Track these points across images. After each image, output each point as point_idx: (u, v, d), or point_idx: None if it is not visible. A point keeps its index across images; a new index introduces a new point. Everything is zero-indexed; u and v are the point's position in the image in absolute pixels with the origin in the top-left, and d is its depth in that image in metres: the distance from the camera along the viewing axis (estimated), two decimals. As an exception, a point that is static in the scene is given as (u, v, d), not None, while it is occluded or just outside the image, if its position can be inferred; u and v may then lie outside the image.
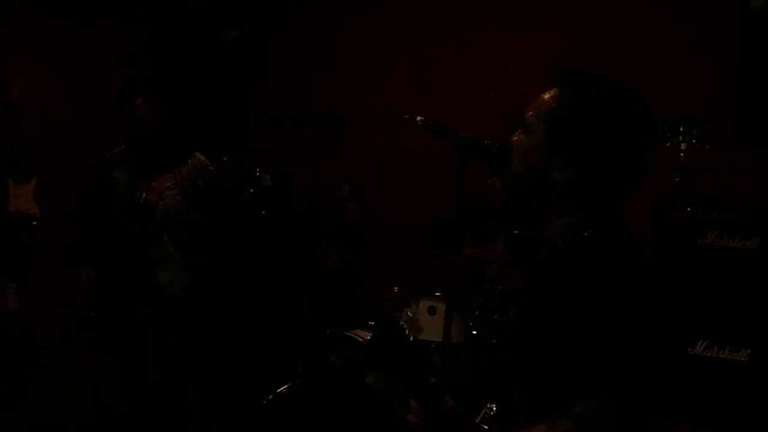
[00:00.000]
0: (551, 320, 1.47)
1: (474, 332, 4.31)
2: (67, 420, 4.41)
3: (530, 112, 1.65)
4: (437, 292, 4.33)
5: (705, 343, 4.15)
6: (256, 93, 7.22)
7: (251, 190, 4.97)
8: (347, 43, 6.79)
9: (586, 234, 1.53)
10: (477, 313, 4.33)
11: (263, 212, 5.72)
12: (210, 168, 3.81)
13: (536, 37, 5.85)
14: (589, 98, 1.59)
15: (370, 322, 4.61)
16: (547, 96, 1.64)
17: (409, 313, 4.39)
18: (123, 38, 6.42)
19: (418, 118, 2.10)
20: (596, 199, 1.59)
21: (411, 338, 4.21)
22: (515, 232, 4.33)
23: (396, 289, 5.09)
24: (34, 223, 5.21)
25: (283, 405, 4.81)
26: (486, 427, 1.69)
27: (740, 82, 5.14)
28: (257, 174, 4.94)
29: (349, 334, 4.49)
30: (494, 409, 1.64)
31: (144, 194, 3.79)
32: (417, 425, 1.67)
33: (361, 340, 4.39)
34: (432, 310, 4.30)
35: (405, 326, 4.35)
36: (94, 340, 4.02)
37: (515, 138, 1.69)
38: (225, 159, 3.78)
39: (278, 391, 4.89)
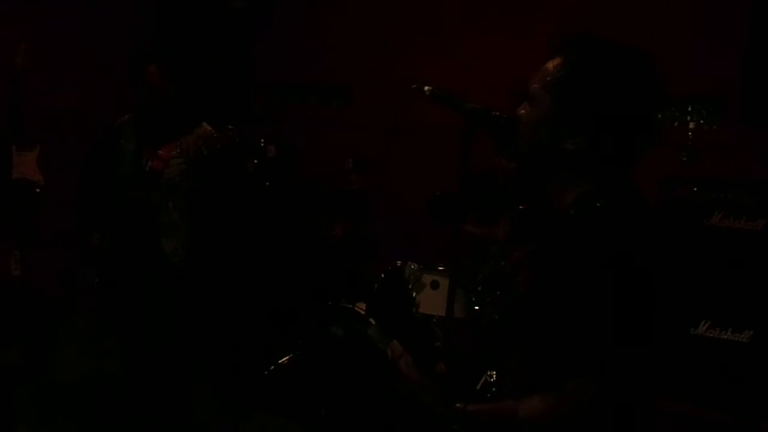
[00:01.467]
0: (558, 291, 1.46)
1: (476, 308, 4.31)
2: (71, 385, 4.44)
3: (535, 83, 1.62)
4: (440, 266, 4.33)
5: (707, 324, 4.14)
6: (262, 63, 7.17)
7: (255, 161, 4.96)
8: (354, 15, 6.72)
9: (599, 204, 1.51)
10: (480, 288, 4.33)
11: (267, 183, 5.71)
12: (214, 136, 3.81)
13: (545, 10, 5.79)
14: (594, 63, 1.55)
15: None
16: (551, 65, 1.60)
17: (412, 266, 4.38)
18: (130, 6, 6.38)
19: (426, 88, 2.08)
20: (607, 167, 1.56)
21: (413, 294, 4.22)
22: (520, 207, 4.31)
23: (399, 263, 5.09)
24: (38, 190, 5.20)
25: (285, 376, 4.83)
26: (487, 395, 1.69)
27: (749, 62, 5.09)
28: (261, 145, 4.93)
29: (351, 306, 4.50)
30: (494, 376, 1.64)
31: (150, 162, 3.80)
32: (406, 377, 1.67)
33: (363, 312, 4.40)
34: (435, 285, 4.30)
35: (408, 280, 4.35)
36: (98, 307, 4.03)
37: (522, 111, 1.66)
38: (230, 127, 3.78)
39: (280, 361, 4.91)
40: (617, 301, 1.42)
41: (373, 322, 3.94)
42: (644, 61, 1.56)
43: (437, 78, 2.75)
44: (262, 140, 4.68)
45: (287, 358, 4.94)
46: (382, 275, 4.36)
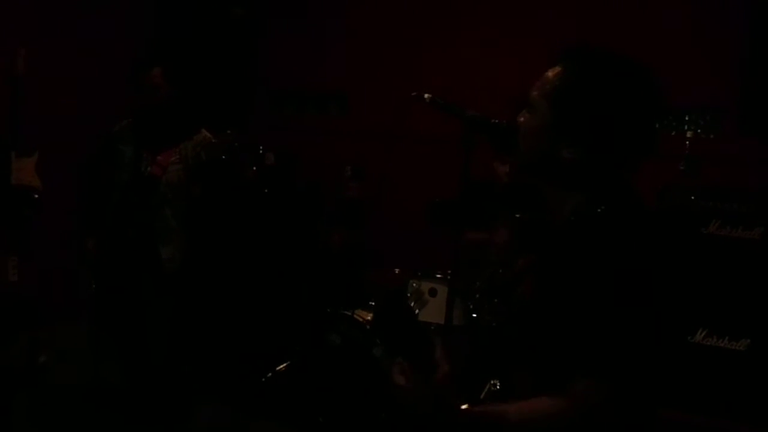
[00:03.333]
0: (563, 297, 1.46)
1: (474, 315, 4.31)
2: (68, 391, 4.43)
3: (535, 91, 1.63)
4: (438, 274, 4.33)
5: (705, 332, 4.15)
6: (261, 71, 7.19)
7: (254, 168, 4.97)
8: (352, 23, 6.75)
9: (599, 210, 1.52)
10: (478, 296, 4.33)
11: (265, 190, 5.72)
12: (213, 141, 3.81)
13: (543, 19, 5.81)
14: (593, 72, 1.56)
15: (370, 303, 4.62)
16: (551, 74, 1.61)
17: (413, 285, 4.39)
18: (129, 13, 6.40)
19: (426, 96, 2.09)
20: (606, 175, 1.57)
21: (416, 311, 4.22)
22: (517, 216, 4.32)
23: (397, 270, 5.09)
24: (36, 196, 5.20)
25: (282, 383, 4.82)
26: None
27: (747, 72, 5.12)
28: (260, 152, 4.95)
29: (349, 313, 4.50)
30: (498, 385, 1.64)
31: (148, 167, 3.80)
32: (404, 388, 1.67)
33: (361, 319, 4.40)
34: (433, 292, 4.31)
35: (410, 298, 4.36)
36: (95, 313, 4.03)
37: (521, 118, 1.67)
38: (228, 132, 3.79)
39: (277, 369, 4.91)
40: (623, 303, 1.42)
41: (378, 342, 3.94)
42: (643, 71, 1.57)
43: (435, 86, 2.77)
44: (261, 147, 4.69)
45: (284, 365, 4.94)
46: (385, 294, 4.34)
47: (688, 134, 4.83)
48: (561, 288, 1.47)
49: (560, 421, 1.45)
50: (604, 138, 1.54)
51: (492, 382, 1.64)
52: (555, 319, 1.48)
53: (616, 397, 1.42)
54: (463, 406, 1.54)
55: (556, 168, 1.60)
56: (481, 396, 1.68)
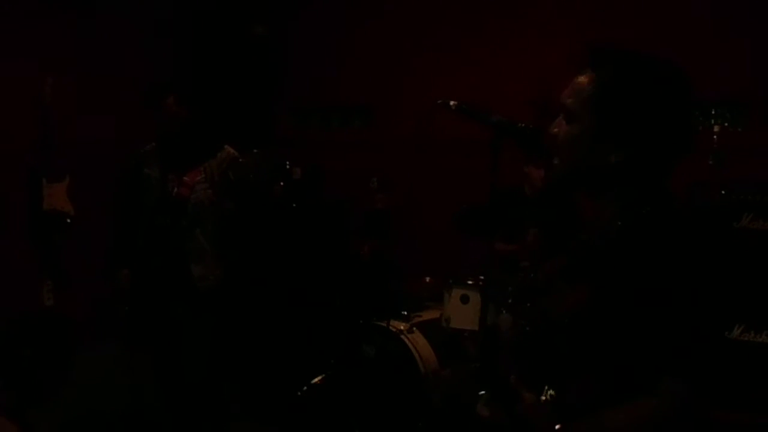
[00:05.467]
0: (627, 301, 1.46)
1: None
2: (104, 416, 4.46)
3: (569, 99, 1.61)
4: (470, 280, 4.32)
5: (741, 328, 4.10)
6: (283, 87, 7.24)
7: (281, 183, 4.99)
8: (372, 35, 6.78)
9: (644, 211, 1.53)
10: (510, 301, 4.31)
11: (293, 205, 5.74)
12: (241, 160, 3.83)
13: (563, 20, 5.80)
14: (629, 75, 1.56)
15: (403, 312, 4.62)
16: (584, 79, 1.60)
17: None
18: (152, 36, 6.48)
19: (452, 103, 2.09)
20: (648, 177, 1.58)
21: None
22: (548, 221, 4.31)
23: (428, 278, 5.09)
24: (68, 220, 5.27)
25: (318, 396, 4.83)
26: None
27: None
28: (287, 167, 4.97)
29: (382, 324, 4.51)
30: (553, 395, 1.62)
31: (176, 189, 3.82)
32: (491, 420, 1.67)
33: (394, 329, 4.41)
34: (464, 299, 4.30)
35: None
36: (129, 336, 4.06)
37: (558, 128, 1.65)
38: (255, 151, 3.80)
39: (312, 382, 4.92)
40: (697, 303, 1.44)
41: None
42: (677, 70, 1.57)
43: (458, 93, 2.77)
44: (288, 163, 4.71)
45: (320, 378, 4.95)
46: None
47: (715, 128, 4.78)
48: (629, 293, 1.46)
49: (660, 422, 1.46)
50: (649, 138, 1.54)
51: (548, 392, 1.63)
52: (624, 323, 1.47)
53: (700, 393, 1.44)
54: (557, 426, 1.54)
55: (599, 175, 1.60)
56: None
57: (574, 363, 1.57)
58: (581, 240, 1.66)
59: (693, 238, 1.51)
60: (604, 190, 1.61)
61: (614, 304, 1.48)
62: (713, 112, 5.35)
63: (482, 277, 3.49)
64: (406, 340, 4.34)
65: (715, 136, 4.62)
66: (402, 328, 4.42)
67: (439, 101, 2.13)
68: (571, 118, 1.61)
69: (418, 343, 4.36)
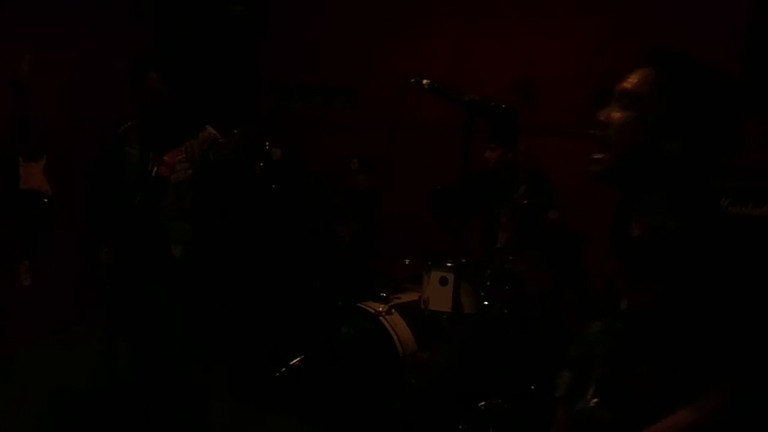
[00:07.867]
0: (694, 304, 1.52)
1: (486, 303, 4.32)
2: (83, 395, 4.46)
3: (634, 82, 1.66)
4: (448, 262, 4.34)
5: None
6: (264, 67, 7.20)
7: (261, 164, 4.98)
8: (355, 15, 6.74)
9: (701, 215, 1.58)
10: (488, 283, 4.34)
11: (273, 186, 5.73)
12: (221, 141, 3.82)
13: (547, 8, 5.79)
14: (689, 72, 1.64)
15: (381, 294, 4.63)
16: (645, 71, 1.66)
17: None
18: (131, 14, 6.41)
19: (425, 81, 2.11)
20: (696, 173, 1.63)
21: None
22: (525, 202, 4.33)
23: (407, 261, 5.10)
24: (46, 200, 5.23)
25: (296, 377, 4.85)
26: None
27: (751, 49, 5.08)
28: (267, 147, 4.94)
29: (361, 305, 4.52)
30: (596, 400, 1.65)
31: (156, 168, 3.81)
32: None
33: (372, 311, 4.42)
34: (443, 281, 4.31)
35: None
36: (109, 315, 4.05)
37: (616, 114, 1.67)
38: (235, 132, 3.78)
39: (291, 363, 4.94)
40: (761, 309, 1.52)
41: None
42: (727, 78, 1.66)
43: (441, 76, 2.77)
44: (267, 143, 4.68)
45: (298, 359, 4.97)
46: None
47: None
48: (688, 296, 1.52)
49: (728, 422, 1.51)
50: (705, 130, 1.61)
51: (591, 399, 1.66)
52: (693, 326, 1.52)
53: (757, 399, 1.50)
54: None
55: (651, 165, 1.63)
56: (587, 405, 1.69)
57: (637, 363, 1.61)
58: (632, 236, 1.70)
59: (752, 249, 1.59)
60: (653, 183, 1.65)
61: (679, 307, 1.54)
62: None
63: (457, 260, 3.50)
64: (384, 321, 4.35)
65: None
66: (380, 309, 4.43)
67: (412, 80, 2.14)
68: (630, 102, 1.65)
69: (397, 325, 4.37)
